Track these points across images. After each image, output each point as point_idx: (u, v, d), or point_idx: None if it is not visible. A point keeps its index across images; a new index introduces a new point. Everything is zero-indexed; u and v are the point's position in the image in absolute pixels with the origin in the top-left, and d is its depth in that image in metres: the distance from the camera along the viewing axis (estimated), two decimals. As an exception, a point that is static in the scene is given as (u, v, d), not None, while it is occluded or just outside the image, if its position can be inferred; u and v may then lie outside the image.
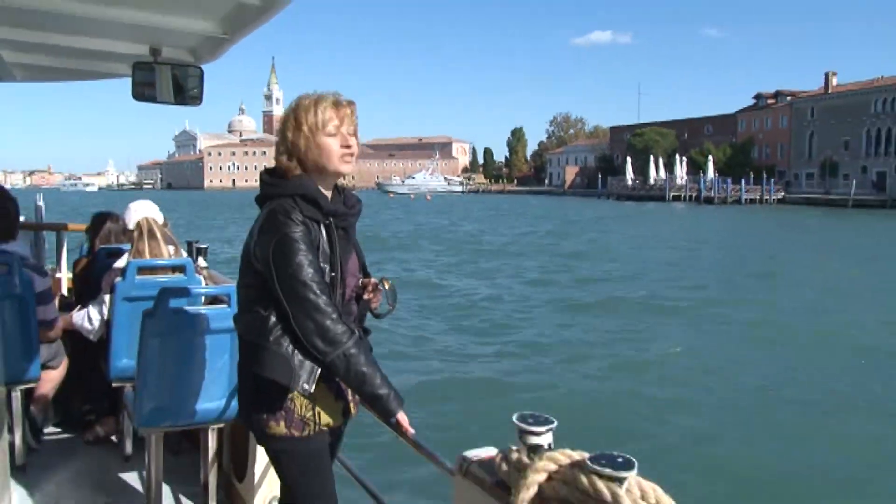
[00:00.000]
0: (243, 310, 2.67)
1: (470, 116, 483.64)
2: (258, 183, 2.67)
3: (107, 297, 4.68)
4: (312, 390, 2.55)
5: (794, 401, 11.84)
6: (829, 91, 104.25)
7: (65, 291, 6.86)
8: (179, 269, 4.73)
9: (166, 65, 3.89)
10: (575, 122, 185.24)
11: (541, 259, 32.32)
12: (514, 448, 1.83)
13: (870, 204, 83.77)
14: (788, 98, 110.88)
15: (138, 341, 3.93)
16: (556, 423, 1.82)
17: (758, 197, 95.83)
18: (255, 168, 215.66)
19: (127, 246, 4.92)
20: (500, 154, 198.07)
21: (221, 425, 4.18)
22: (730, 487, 8.47)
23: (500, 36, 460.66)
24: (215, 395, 3.97)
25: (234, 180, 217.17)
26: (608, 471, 1.49)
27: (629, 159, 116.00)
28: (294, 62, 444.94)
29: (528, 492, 1.59)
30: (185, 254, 5.19)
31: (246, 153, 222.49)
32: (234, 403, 3.86)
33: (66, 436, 5.25)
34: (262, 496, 4.03)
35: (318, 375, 2.55)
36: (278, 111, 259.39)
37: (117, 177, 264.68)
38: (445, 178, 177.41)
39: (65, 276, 7.26)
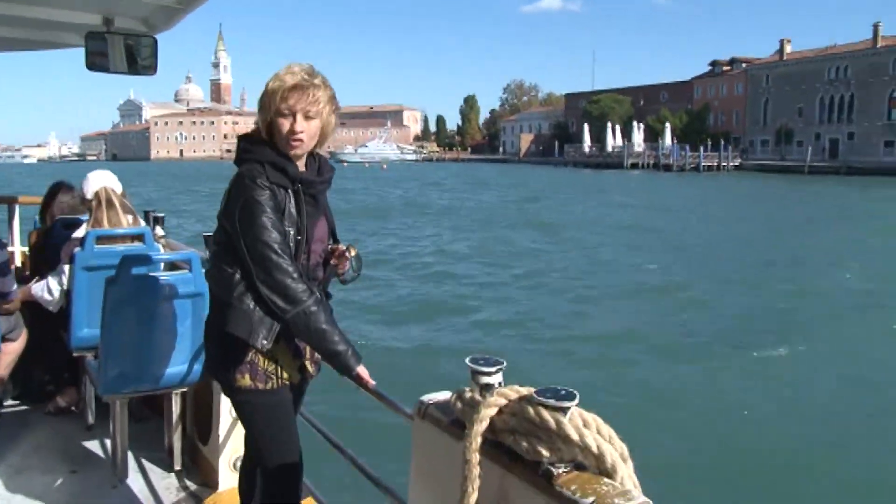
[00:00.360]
0: (213, 266, 2.77)
1: (421, 85, 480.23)
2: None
3: (66, 268, 4.67)
4: (270, 346, 2.65)
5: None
6: (784, 58, 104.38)
7: (18, 264, 6.77)
8: (138, 237, 4.75)
9: (119, 34, 3.84)
10: (529, 89, 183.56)
11: (525, 232, 31.13)
12: (468, 388, 1.95)
13: (824, 171, 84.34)
14: (744, 65, 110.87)
15: (101, 309, 3.92)
16: (505, 364, 1.93)
17: (715, 164, 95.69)
18: (203, 138, 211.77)
19: (85, 216, 4.94)
20: (453, 122, 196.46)
21: (184, 389, 4.28)
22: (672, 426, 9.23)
23: (449, 3, 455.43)
24: (178, 359, 4.03)
25: (181, 151, 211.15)
26: (552, 402, 1.60)
27: (586, 126, 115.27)
28: (242, 29, 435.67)
29: (481, 425, 1.69)
30: (143, 223, 5.19)
31: (194, 123, 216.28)
32: (197, 367, 4.03)
33: (26, 408, 5.26)
34: (226, 457, 4.03)
35: (276, 332, 2.65)
36: (226, 79, 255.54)
37: (59, 148, 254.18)
38: (398, 146, 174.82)
39: (17, 249, 7.20)
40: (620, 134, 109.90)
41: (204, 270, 3.64)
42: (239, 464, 3.52)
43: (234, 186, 2.64)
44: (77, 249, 4.53)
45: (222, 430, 4.03)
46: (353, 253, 2.87)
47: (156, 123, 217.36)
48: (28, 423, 4.98)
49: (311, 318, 2.56)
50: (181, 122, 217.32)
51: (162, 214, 6.20)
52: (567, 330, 14.37)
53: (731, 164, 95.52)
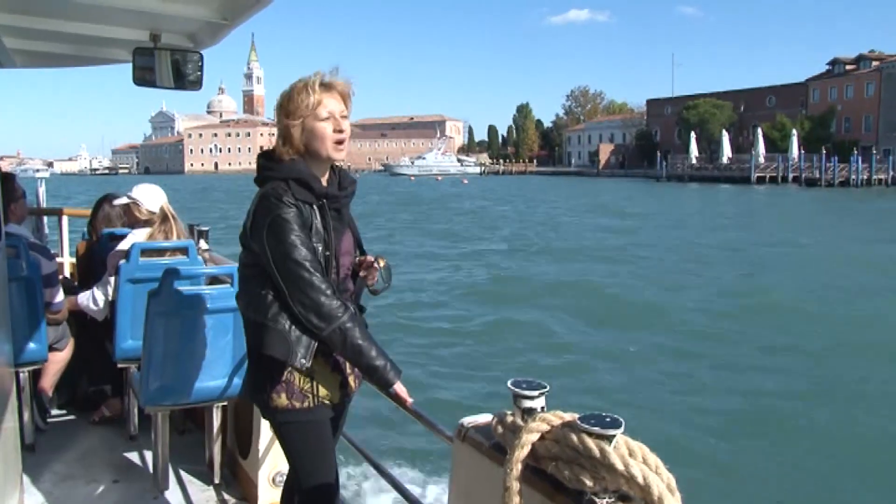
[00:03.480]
0: (243, 289, 2.71)
1: (458, 95, 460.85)
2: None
3: (111, 279, 4.67)
4: (309, 365, 2.56)
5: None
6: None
7: (66, 274, 6.78)
8: (182, 251, 4.71)
9: (166, 50, 3.86)
10: (594, 96, 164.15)
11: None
12: (509, 412, 1.87)
13: None
14: (874, 63, 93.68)
15: (144, 322, 3.91)
16: (548, 388, 1.84)
17: (865, 178, 78.23)
18: (239, 150, 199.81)
19: (126, 230, 5.01)
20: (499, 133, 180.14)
21: (225, 403, 4.19)
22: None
23: (476, 16, 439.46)
24: (219, 373, 3.98)
25: (216, 163, 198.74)
26: (597, 429, 1.51)
27: (693, 135, 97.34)
28: (275, 39, 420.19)
29: (522, 451, 1.61)
30: (188, 236, 5.12)
31: (228, 134, 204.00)
32: (237, 381, 3.95)
33: (72, 416, 5.27)
34: (265, 471, 4.00)
35: (314, 351, 2.56)
36: (259, 90, 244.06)
37: (90, 161, 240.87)
38: (458, 158, 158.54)
39: (66, 259, 7.25)
40: (727, 143, 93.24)
41: None
42: (279, 479, 3.82)
43: (259, 206, 2.55)
44: (122, 262, 4.50)
45: (262, 445, 3.97)
46: (381, 264, 2.77)
47: (189, 136, 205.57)
48: (74, 432, 4.99)
49: (347, 334, 2.49)
50: (216, 134, 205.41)
51: (206, 228, 5.96)
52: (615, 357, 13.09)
53: (879, 177, 78.32)
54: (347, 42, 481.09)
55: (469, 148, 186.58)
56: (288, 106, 2.57)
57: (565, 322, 15.72)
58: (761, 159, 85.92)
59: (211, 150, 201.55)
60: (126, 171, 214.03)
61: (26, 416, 4.54)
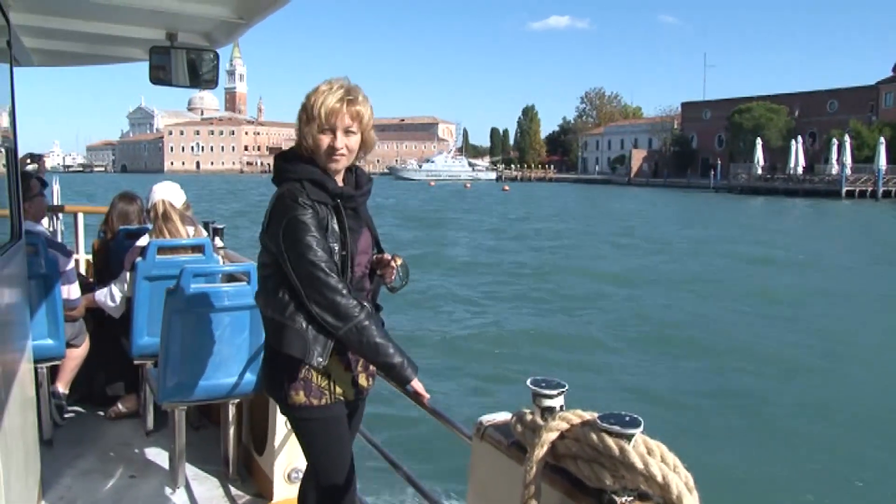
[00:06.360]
0: (261, 288, 2.68)
1: (446, 98, 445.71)
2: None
3: (128, 275, 4.59)
4: (326, 363, 2.53)
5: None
6: None
7: (82, 271, 6.53)
8: (198, 248, 4.66)
9: (182, 49, 3.81)
10: (610, 98, 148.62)
11: None
12: (528, 410, 1.83)
13: None
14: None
15: (161, 319, 3.87)
16: (567, 387, 1.80)
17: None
18: (222, 149, 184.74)
19: (148, 226, 4.94)
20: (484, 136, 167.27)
21: (239, 400, 4.14)
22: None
23: (460, 19, 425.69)
24: (235, 370, 3.93)
25: (198, 163, 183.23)
26: (616, 428, 1.49)
27: (758, 141, 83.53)
28: (260, 36, 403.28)
29: (542, 450, 1.59)
30: (204, 234, 5.04)
31: (212, 132, 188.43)
32: (253, 378, 3.94)
33: (88, 412, 5.16)
34: (280, 467, 3.91)
35: (331, 349, 2.53)
36: (242, 88, 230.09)
37: (63, 158, 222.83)
38: (470, 162, 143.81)
39: (82, 256, 7.05)
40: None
41: None
42: (294, 475, 3.80)
43: (276, 207, 2.52)
44: (139, 259, 4.45)
45: (277, 441, 3.89)
46: (398, 262, 2.73)
47: (170, 133, 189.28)
48: (90, 428, 4.91)
49: (363, 332, 2.47)
50: (198, 132, 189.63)
51: (222, 226, 5.85)
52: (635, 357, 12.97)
53: None
54: (338, 39, 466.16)
55: (465, 151, 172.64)
56: (301, 112, 2.54)
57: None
58: (849, 171, 72.70)
59: (192, 149, 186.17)
60: (102, 168, 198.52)
61: (44, 411, 4.41)
